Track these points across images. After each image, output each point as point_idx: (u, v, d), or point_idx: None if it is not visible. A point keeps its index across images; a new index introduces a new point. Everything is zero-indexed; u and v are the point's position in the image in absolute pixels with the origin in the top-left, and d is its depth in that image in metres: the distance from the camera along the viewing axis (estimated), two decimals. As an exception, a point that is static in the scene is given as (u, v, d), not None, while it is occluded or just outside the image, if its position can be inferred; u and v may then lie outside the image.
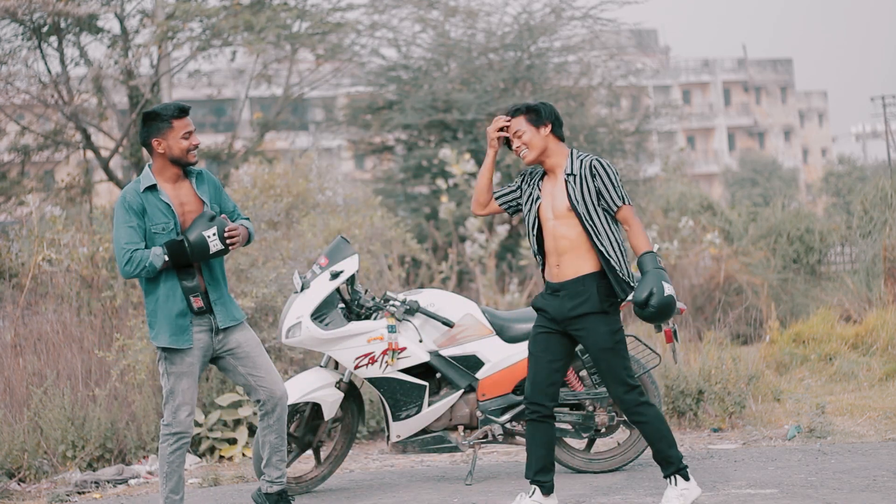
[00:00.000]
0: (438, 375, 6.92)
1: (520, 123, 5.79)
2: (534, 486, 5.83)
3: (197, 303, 5.79)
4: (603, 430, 6.96)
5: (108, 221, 11.67)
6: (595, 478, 6.79)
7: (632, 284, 5.71)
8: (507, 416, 6.86)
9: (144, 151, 15.10)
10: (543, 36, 16.03)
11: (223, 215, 5.84)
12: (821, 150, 69.02)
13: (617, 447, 7.08)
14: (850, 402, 9.06)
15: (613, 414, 6.93)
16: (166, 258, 5.65)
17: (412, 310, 6.84)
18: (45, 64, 14.68)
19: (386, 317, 6.78)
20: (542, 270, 5.88)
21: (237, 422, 8.41)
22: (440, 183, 14.48)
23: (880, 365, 10.31)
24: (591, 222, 5.67)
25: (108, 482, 7.76)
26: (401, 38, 16.34)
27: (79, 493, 7.61)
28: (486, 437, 6.89)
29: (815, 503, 5.82)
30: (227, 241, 5.73)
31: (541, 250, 5.84)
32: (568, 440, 7.11)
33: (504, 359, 6.88)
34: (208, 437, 8.33)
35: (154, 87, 14.84)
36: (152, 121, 5.79)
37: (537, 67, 15.92)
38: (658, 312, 5.51)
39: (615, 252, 5.67)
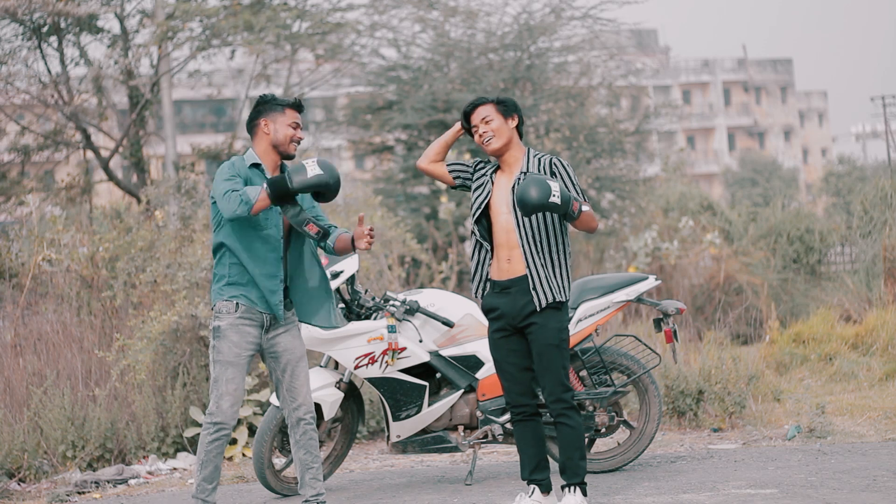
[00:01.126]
0: (438, 375, 6.92)
1: (489, 111, 5.83)
2: (532, 486, 5.84)
3: (311, 228, 5.59)
4: (603, 430, 6.96)
5: (108, 221, 11.67)
6: (595, 478, 6.79)
7: (566, 286, 5.75)
8: (507, 416, 6.86)
9: (145, 151, 15.18)
10: (543, 36, 16.03)
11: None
12: (821, 150, 69.02)
13: (617, 447, 7.08)
14: (850, 402, 9.06)
15: (613, 414, 6.94)
16: (265, 188, 5.44)
17: (412, 310, 6.84)
18: (45, 64, 14.68)
19: (386, 317, 6.78)
20: (482, 265, 5.84)
21: (237, 422, 8.41)
22: (440, 183, 14.46)
23: (880, 365, 10.32)
24: (545, 220, 5.71)
25: (108, 482, 7.76)
26: (401, 38, 16.35)
27: (79, 493, 7.61)
28: (486, 437, 6.89)
29: (815, 503, 5.82)
30: (332, 175, 5.48)
31: (491, 243, 5.83)
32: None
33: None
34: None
35: (154, 87, 14.84)
36: (266, 103, 5.73)
37: (537, 67, 15.92)
38: (526, 182, 5.51)
39: (563, 251, 5.74)
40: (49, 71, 14.68)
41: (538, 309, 5.70)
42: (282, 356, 5.81)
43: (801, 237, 15.98)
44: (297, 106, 5.78)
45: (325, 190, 5.52)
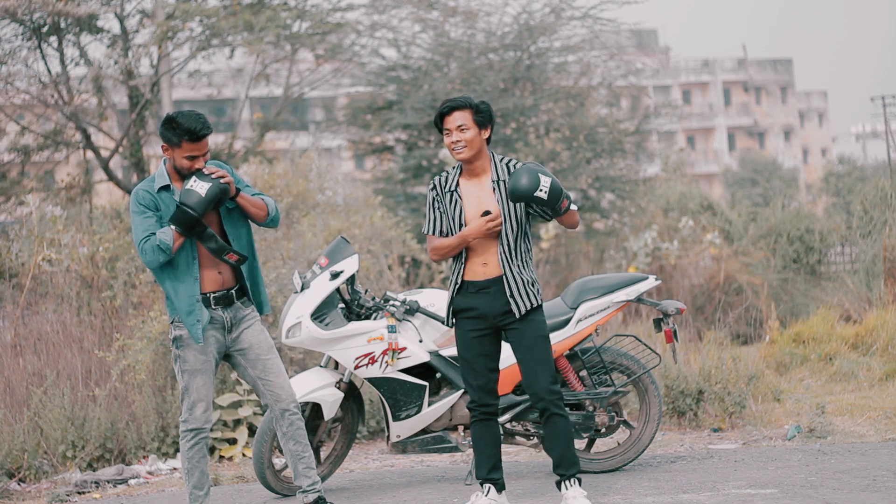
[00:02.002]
0: (438, 375, 6.92)
1: (466, 118, 5.79)
2: (488, 485, 5.92)
3: (232, 258, 5.68)
4: (603, 430, 6.96)
5: (108, 221, 11.66)
6: (595, 478, 6.79)
7: (538, 290, 5.87)
8: (507, 416, 6.86)
9: (145, 151, 15.18)
10: (543, 36, 16.02)
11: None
12: (821, 150, 69.01)
13: (617, 447, 7.08)
14: (850, 402, 9.06)
15: (613, 414, 6.94)
16: (172, 227, 5.54)
17: (412, 310, 6.84)
18: (45, 64, 14.68)
19: (386, 317, 6.78)
20: (458, 270, 5.88)
21: (237, 422, 8.41)
22: (440, 183, 14.47)
23: (880, 365, 10.31)
24: (519, 224, 5.79)
25: (108, 482, 7.76)
26: (400, 38, 16.35)
27: (79, 493, 7.61)
28: (486, 437, 6.88)
29: (815, 503, 5.82)
30: (213, 177, 5.57)
31: (465, 250, 5.86)
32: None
33: (504, 359, 6.87)
34: (208, 437, 8.31)
35: (154, 87, 14.84)
36: (167, 129, 5.66)
37: (537, 67, 15.92)
38: (518, 172, 5.61)
39: (531, 255, 5.86)
40: (49, 71, 14.68)
41: (517, 316, 5.79)
42: (248, 352, 5.85)
43: (801, 237, 15.98)
44: (195, 138, 5.62)
45: (222, 196, 5.60)
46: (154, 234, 5.58)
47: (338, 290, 6.84)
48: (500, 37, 16.04)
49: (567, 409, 6.92)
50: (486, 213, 5.78)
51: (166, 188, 5.72)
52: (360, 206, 12.28)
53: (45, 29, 14.33)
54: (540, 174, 5.59)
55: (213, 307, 5.77)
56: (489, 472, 5.93)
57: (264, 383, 5.89)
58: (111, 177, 15.17)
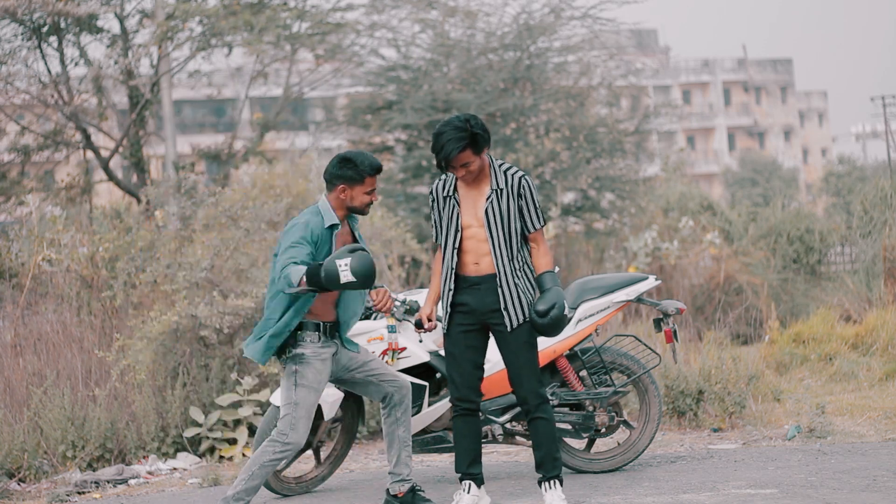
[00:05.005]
0: (438, 375, 6.92)
1: (468, 157, 5.82)
2: (468, 482, 6.03)
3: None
4: (603, 430, 6.96)
5: (107, 221, 11.67)
6: (595, 478, 6.79)
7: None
8: (507, 416, 6.86)
9: (145, 151, 15.18)
10: (543, 36, 16.02)
11: (364, 250, 5.79)
12: (821, 150, 69.01)
13: (617, 447, 7.08)
14: (850, 402, 9.06)
15: (613, 414, 6.94)
16: (303, 277, 5.65)
17: (412, 310, 6.84)
18: (45, 64, 14.68)
19: (386, 317, 6.78)
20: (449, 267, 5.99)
21: (237, 422, 8.41)
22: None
23: (880, 365, 10.31)
24: (513, 231, 5.88)
25: (108, 482, 7.76)
26: (400, 38, 16.34)
27: (79, 493, 7.61)
28: (486, 437, 6.89)
29: (815, 503, 5.82)
30: (367, 274, 5.64)
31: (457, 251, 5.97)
32: (568, 440, 7.11)
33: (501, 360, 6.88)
34: (208, 437, 8.33)
35: (154, 87, 14.84)
36: (347, 167, 5.89)
37: (537, 67, 15.92)
38: (552, 324, 5.82)
39: (531, 266, 5.99)
40: (49, 71, 14.68)
41: (509, 330, 5.90)
42: (351, 363, 6.16)
43: (801, 237, 15.98)
44: (377, 172, 5.92)
45: (357, 287, 5.72)
46: (297, 262, 5.70)
47: (338, 290, 6.84)
48: (500, 37, 16.03)
49: (566, 409, 6.94)
50: (418, 323, 6.10)
51: (335, 226, 5.93)
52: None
53: (45, 29, 14.33)
54: (563, 300, 5.84)
55: (329, 336, 6.04)
56: (468, 466, 6.04)
57: (378, 377, 6.19)
58: (111, 177, 15.17)
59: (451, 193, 5.95)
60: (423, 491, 6.33)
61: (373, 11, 16.10)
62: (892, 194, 14.23)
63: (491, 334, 6.02)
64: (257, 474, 5.91)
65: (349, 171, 5.89)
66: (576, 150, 15.54)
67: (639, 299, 7.03)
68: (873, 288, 12.95)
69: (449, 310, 5.97)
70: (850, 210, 19.35)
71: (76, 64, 14.91)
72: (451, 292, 5.95)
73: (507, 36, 16.00)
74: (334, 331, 6.07)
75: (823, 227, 16.32)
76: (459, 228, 5.90)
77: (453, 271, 5.93)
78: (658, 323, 7.06)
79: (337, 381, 6.23)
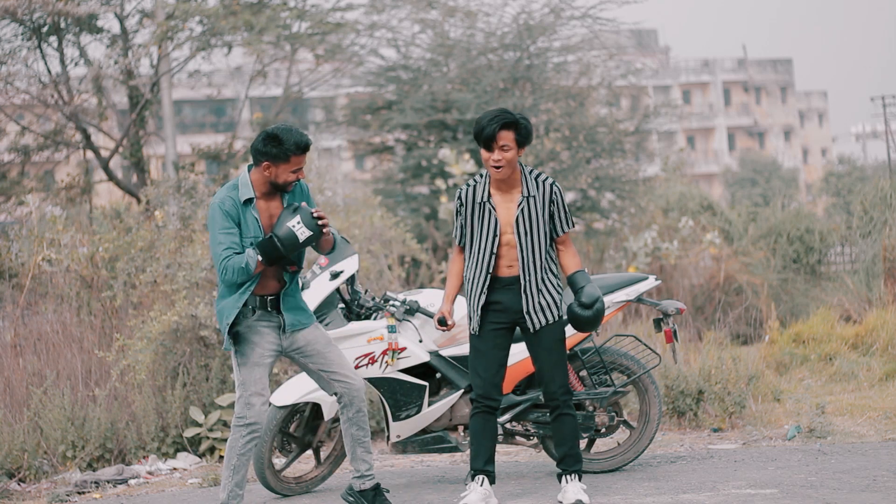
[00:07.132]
0: (438, 375, 6.92)
1: (510, 138, 5.87)
2: (482, 476, 6.08)
3: (292, 268, 5.89)
4: (603, 430, 6.96)
5: (107, 221, 11.67)
6: (595, 478, 6.79)
7: (560, 304, 6.12)
8: (507, 416, 6.86)
9: (145, 151, 15.18)
10: (543, 36, 16.02)
11: (303, 203, 5.77)
12: (821, 150, 69.03)
13: (617, 447, 7.08)
14: (850, 402, 9.06)
15: (613, 414, 6.94)
16: (259, 257, 5.63)
17: (412, 310, 6.84)
18: (45, 64, 14.68)
19: (386, 317, 6.78)
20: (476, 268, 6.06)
21: (237, 422, 8.40)
22: (440, 183, 14.45)
23: (880, 365, 10.31)
24: (544, 235, 6.00)
25: (108, 482, 7.76)
26: (400, 38, 16.34)
27: (79, 493, 7.61)
28: (486, 437, 6.88)
29: (815, 503, 5.82)
30: (319, 224, 5.71)
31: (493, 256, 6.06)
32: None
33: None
34: (208, 437, 8.33)
35: (154, 87, 14.84)
36: (272, 145, 5.71)
37: (537, 67, 15.91)
38: (595, 317, 5.98)
39: (557, 269, 6.13)
40: (49, 71, 14.68)
41: (532, 331, 6.04)
42: (306, 348, 5.95)
43: (801, 237, 15.99)
44: (304, 151, 5.75)
45: (315, 241, 5.75)
46: (237, 252, 5.64)
47: (338, 290, 6.84)
48: (500, 37, 16.03)
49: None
50: (442, 320, 6.12)
51: (250, 201, 5.78)
52: (359, 206, 12.27)
53: (45, 29, 14.33)
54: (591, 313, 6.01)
55: (269, 309, 5.85)
56: (485, 463, 6.10)
57: (329, 374, 5.98)
58: (111, 177, 15.17)
59: (486, 199, 6.01)
60: (387, 491, 6.25)
61: (372, 11, 16.10)
62: (892, 194, 14.24)
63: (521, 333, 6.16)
64: (238, 465, 5.85)
65: (274, 148, 5.69)
66: (576, 149, 15.53)
67: (639, 299, 7.03)
68: (873, 288, 12.95)
69: (479, 311, 6.03)
70: (850, 210, 19.36)
71: (76, 64, 14.92)
72: (485, 293, 6.01)
73: (507, 36, 16.00)
74: (275, 304, 5.86)
75: (823, 227, 16.33)
76: (498, 234, 5.98)
77: (489, 274, 6.01)
78: (658, 323, 7.06)
79: (294, 362, 6.05)
